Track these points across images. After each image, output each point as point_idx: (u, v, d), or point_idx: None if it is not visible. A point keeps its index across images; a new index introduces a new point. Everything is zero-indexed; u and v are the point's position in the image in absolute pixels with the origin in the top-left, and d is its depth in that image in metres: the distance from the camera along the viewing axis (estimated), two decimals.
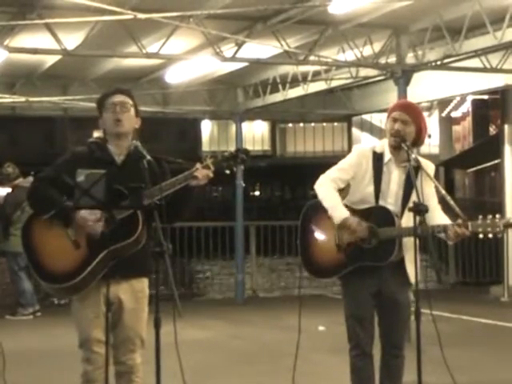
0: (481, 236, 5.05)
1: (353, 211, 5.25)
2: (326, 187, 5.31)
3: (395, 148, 5.23)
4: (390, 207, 5.25)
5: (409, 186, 5.18)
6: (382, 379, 5.42)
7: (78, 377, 4.72)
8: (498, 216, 5.06)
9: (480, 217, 5.04)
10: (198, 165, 4.57)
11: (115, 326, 4.67)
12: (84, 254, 4.56)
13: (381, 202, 5.27)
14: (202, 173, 4.56)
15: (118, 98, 4.71)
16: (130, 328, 4.69)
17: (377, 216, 5.23)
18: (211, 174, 4.58)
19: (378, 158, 5.31)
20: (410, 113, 5.25)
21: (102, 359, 4.54)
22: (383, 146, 5.34)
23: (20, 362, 8.07)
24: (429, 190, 5.28)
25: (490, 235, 5.04)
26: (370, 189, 5.29)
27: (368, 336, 5.32)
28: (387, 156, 5.29)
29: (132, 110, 4.70)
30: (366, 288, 5.28)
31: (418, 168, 5.22)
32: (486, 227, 5.03)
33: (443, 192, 5.15)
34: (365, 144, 5.54)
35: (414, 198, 5.07)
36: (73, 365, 4.89)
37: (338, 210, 5.22)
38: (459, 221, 5.04)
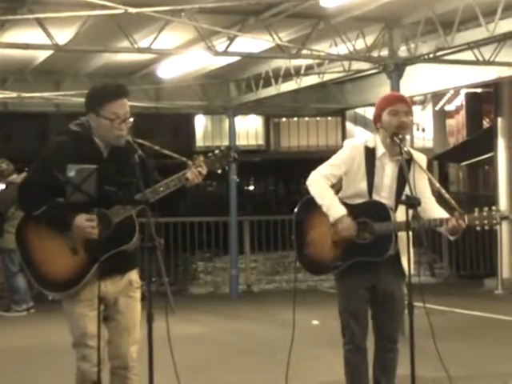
0: (478, 228, 5.06)
1: (348, 206, 5.25)
2: (319, 184, 5.30)
3: (391, 143, 5.22)
4: (384, 201, 5.25)
5: (402, 179, 5.18)
6: (375, 373, 5.43)
7: (73, 375, 4.70)
8: (494, 208, 5.09)
9: (476, 209, 5.06)
10: (191, 165, 4.54)
11: (111, 320, 4.65)
12: (82, 260, 4.52)
13: (374, 197, 5.27)
14: (193, 174, 4.53)
15: (123, 106, 4.53)
16: (127, 317, 4.67)
17: (372, 211, 5.24)
18: (204, 172, 4.55)
19: (370, 152, 5.31)
20: (407, 103, 5.29)
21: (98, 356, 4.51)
22: (375, 140, 5.33)
23: (13, 358, 8.07)
24: (422, 183, 5.29)
25: (487, 227, 5.06)
26: (364, 184, 5.28)
27: (362, 330, 5.33)
28: (380, 150, 5.29)
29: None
30: (361, 283, 5.29)
31: (410, 160, 5.22)
32: (482, 220, 5.05)
33: (437, 185, 5.15)
34: (356, 139, 5.53)
35: (407, 191, 5.06)
36: (67, 361, 4.88)
37: (332, 208, 5.22)
38: (456, 214, 5.05)
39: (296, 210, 5.48)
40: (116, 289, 4.64)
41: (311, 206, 5.34)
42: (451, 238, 5.18)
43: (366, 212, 5.22)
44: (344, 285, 5.36)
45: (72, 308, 4.63)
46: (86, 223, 4.43)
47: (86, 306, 4.58)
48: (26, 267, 4.67)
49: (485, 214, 5.05)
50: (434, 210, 5.25)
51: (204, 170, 4.56)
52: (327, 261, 5.33)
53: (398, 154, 5.17)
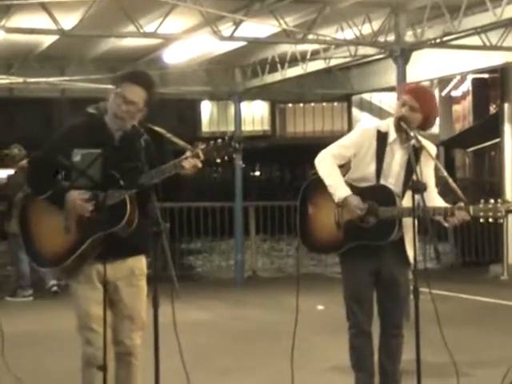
0: (481, 221, 4.95)
1: (354, 188, 5.22)
2: (327, 163, 5.28)
3: (398, 129, 5.20)
4: (391, 187, 5.23)
5: (410, 167, 5.12)
6: (380, 358, 5.43)
7: (78, 359, 4.71)
8: (500, 200, 4.95)
9: (482, 200, 4.94)
10: (188, 153, 4.45)
11: (114, 306, 4.65)
12: (72, 239, 4.55)
13: (381, 182, 5.25)
14: (189, 163, 4.43)
15: (134, 91, 4.52)
16: (129, 307, 4.67)
17: (378, 195, 5.21)
18: (199, 165, 4.44)
19: (382, 137, 5.27)
20: (420, 99, 5.18)
21: (102, 339, 4.52)
22: (388, 125, 5.30)
23: (19, 343, 8.08)
24: (428, 172, 5.27)
25: (491, 220, 4.94)
26: (372, 168, 5.26)
27: (366, 315, 5.33)
28: (392, 136, 5.25)
29: (141, 104, 4.54)
30: (365, 267, 5.28)
31: (419, 148, 5.17)
32: (487, 212, 4.94)
33: (445, 174, 5.10)
34: (369, 123, 5.49)
35: (414, 176, 5.00)
36: (72, 346, 4.88)
37: (339, 188, 5.20)
38: (461, 204, 4.99)
39: (302, 188, 5.46)
40: (116, 274, 4.62)
41: (317, 185, 5.31)
42: (447, 225, 5.13)
43: (372, 196, 5.19)
44: (348, 269, 5.36)
45: (75, 290, 4.67)
46: (78, 197, 4.46)
47: (86, 287, 4.60)
48: (23, 244, 4.73)
49: (490, 206, 4.93)
50: (435, 201, 5.21)
51: (199, 163, 4.44)
52: (329, 241, 5.33)
53: (408, 140, 5.14)
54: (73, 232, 4.54)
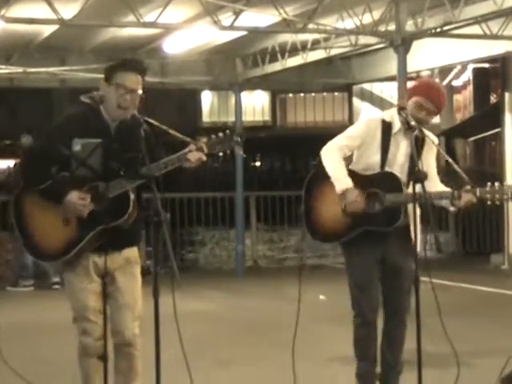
0: (489, 203, 5.05)
1: (360, 176, 5.25)
2: (332, 155, 5.29)
3: (399, 116, 5.22)
4: (398, 174, 5.25)
5: (414, 157, 5.12)
6: (383, 348, 5.45)
7: (75, 350, 4.71)
8: (505, 183, 5.13)
9: (488, 183, 5.04)
10: (192, 146, 4.49)
11: (111, 296, 4.65)
12: (73, 232, 4.53)
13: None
14: (194, 156, 4.48)
15: (133, 79, 4.53)
16: (125, 295, 4.67)
17: (384, 181, 5.23)
18: (204, 158, 4.51)
19: (387, 127, 5.29)
20: (436, 101, 5.22)
21: (100, 329, 4.53)
22: (392, 115, 5.32)
23: (17, 333, 8.10)
24: (431, 161, 5.32)
25: (498, 202, 5.05)
26: (377, 158, 5.29)
27: (371, 304, 5.33)
28: (397, 126, 5.28)
29: (140, 91, 4.55)
30: (370, 255, 5.29)
31: (422, 138, 5.21)
32: (494, 194, 5.03)
33: (450, 160, 5.14)
34: (374, 114, 5.54)
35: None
36: (71, 337, 4.88)
37: (340, 180, 5.21)
38: (467, 187, 5.05)
39: (308, 177, 5.48)
40: (113, 265, 4.62)
41: (323, 175, 5.32)
42: (451, 209, 5.19)
43: (378, 182, 5.22)
44: (353, 258, 5.35)
45: (71, 282, 4.65)
46: (78, 201, 4.44)
47: (83, 279, 4.59)
48: (20, 236, 4.69)
49: (496, 188, 5.03)
50: (438, 188, 5.26)
51: (204, 157, 4.50)
52: (336, 229, 5.32)
53: (412, 130, 5.15)
54: (73, 224, 4.52)
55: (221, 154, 4.59)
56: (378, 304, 5.36)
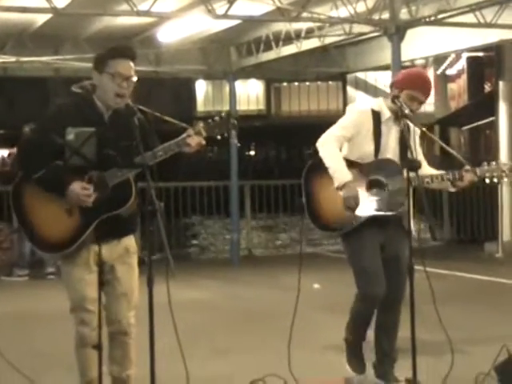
0: (487, 181, 5.25)
1: (359, 165, 5.33)
2: (329, 147, 5.34)
3: (393, 104, 5.29)
4: (396, 160, 5.36)
5: (403, 143, 5.25)
6: (378, 336, 5.52)
7: (71, 340, 4.71)
8: (500, 161, 5.37)
9: (484, 163, 5.24)
10: (191, 131, 4.51)
11: (109, 285, 4.65)
12: (77, 222, 4.52)
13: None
14: (194, 140, 4.50)
15: (126, 66, 4.53)
16: (123, 284, 4.68)
17: (384, 167, 5.34)
18: (203, 142, 4.54)
19: (377, 116, 5.38)
20: (426, 92, 5.39)
21: (97, 319, 4.53)
22: (380, 105, 5.41)
23: (11, 323, 8.10)
24: (417, 147, 5.44)
25: (495, 180, 5.23)
26: (371, 147, 5.36)
27: (379, 281, 5.33)
28: (386, 114, 5.37)
29: (134, 77, 4.57)
30: (373, 240, 5.35)
31: (408, 127, 5.27)
32: (492, 172, 5.22)
33: (445, 146, 5.42)
34: (360, 103, 5.62)
35: (409, 154, 5.13)
36: (65, 326, 4.88)
37: (339, 172, 5.27)
38: (467, 167, 5.23)
39: (306, 168, 5.51)
40: (112, 255, 4.63)
41: (321, 166, 5.36)
42: (452, 189, 5.35)
43: (378, 169, 5.32)
44: (357, 244, 5.37)
45: (69, 272, 4.64)
46: (81, 191, 4.43)
47: (83, 269, 4.59)
48: (21, 228, 4.67)
49: (493, 166, 5.22)
50: (427, 170, 5.40)
51: (203, 141, 4.53)
52: (341, 218, 5.34)
53: (401, 118, 5.25)
54: (76, 215, 4.51)
55: (219, 137, 4.59)
56: (384, 286, 5.35)
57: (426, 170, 5.40)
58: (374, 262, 5.34)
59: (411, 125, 5.30)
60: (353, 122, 5.38)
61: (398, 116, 5.28)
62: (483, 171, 5.23)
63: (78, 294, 4.61)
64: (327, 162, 5.29)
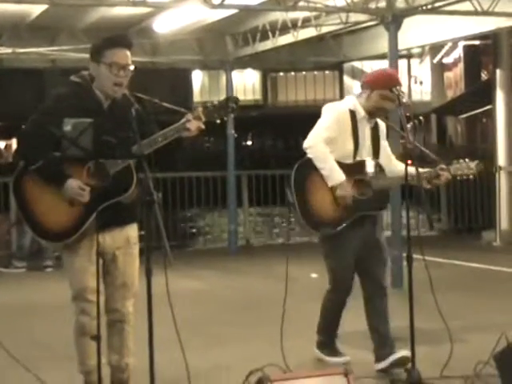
0: (458, 178, 5.48)
1: (344, 166, 5.45)
2: (318, 148, 5.43)
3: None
4: (378, 160, 5.63)
5: (376, 139, 5.59)
6: (372, 322, 5.63)
7: (69, 330, 4.71)
8: (467, 160, 5.51)
9: (454, 161, 5.45)
10: (190, 116, 4.52)
11: (109, 274, 4.67)
12: (79, 210, 4.53)
13: (358, 157, 5.54)
14: (193, 125, 4.51)
15: (123, 55, 4.55)
16: (124, 274, 4.70)
17: (367, 168, 5.56)
18: (203, 126, 4.55)
19: (353, 115, 5.53)
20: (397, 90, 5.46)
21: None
22: (354, 104, 5.56)
23: (11, 314, 8.10)
24: (385, 142, 5.71)
25: (465, 177, 5.44)
26: (351, 145, 5.52)
27: (351, 276, 5.65)
28: (361, 113, 5.53)
29: (131, 66, 4.58)
30: (356, 238, 5.53)
31: (377, 123, 5.62)
32: (463, 170, 5.40)
33: (417, 144, 5.48)
34: (336, 104, 5.71)
35: (381, 151, 5.55)
36: (64, 316, 4.89)
37: (333, 173, 5.40)
38: (442, 165, 5.39)
39: (294, 170, 5.57)
40: (114, 243, 4.64)
41: (310, 166, 5.47)
42: (429, 187, 5.46)
43: (362, 170, 5.50)
44: (338, 242, 5.55)
45: (72, 262, 4.65)
46: (77, 190, 4.45)
47: (85, 260, 4.59)
48: (23, 218, 4.67)
49: (464, 164, 5.39)
50: (397, 165, 5.61)
51: (202, 125, 4.54)
52: (332, 217, 5.48)
53: (373, 117, 5.54)
54: (78, 204, 4.51)
55: (218, 121, 4.62)
56: (353, 279, 5.64)
57: (395, 164, 5.63)
58: (348, 261, 5.57)
59: (379, 121, 5.56)
60: (334, 122, 5.51)
61: (371, 114, 5.49)
62: (456, 169, 5.41)
63: (80, 285, 4.62)
64: (320, 163, 5.41)
